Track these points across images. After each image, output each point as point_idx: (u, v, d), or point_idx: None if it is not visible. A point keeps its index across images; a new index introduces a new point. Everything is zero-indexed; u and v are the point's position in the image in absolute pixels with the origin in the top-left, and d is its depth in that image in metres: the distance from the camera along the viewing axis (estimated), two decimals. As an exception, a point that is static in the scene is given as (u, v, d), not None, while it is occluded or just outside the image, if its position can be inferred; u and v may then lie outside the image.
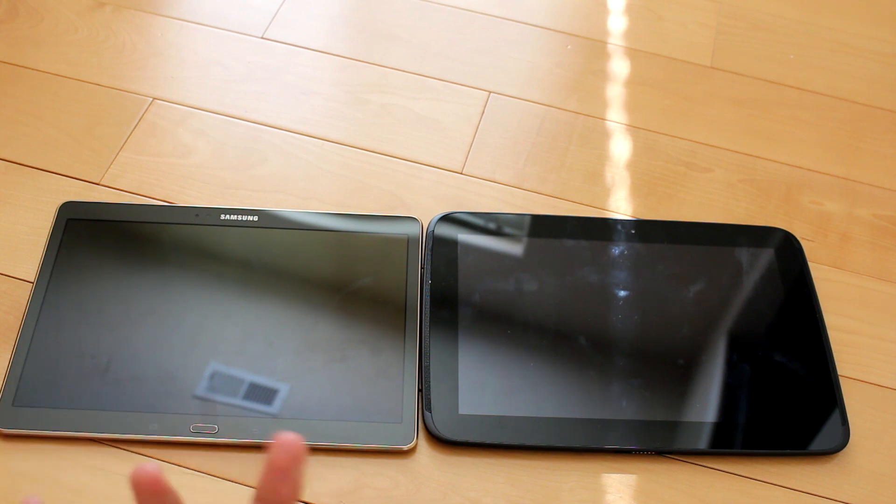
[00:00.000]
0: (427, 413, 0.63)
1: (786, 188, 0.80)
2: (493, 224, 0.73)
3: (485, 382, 0.65)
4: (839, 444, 0.64)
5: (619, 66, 0.88)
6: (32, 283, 0.66)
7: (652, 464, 0.63)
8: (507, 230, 0.73)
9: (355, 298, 0.68)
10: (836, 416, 0.65)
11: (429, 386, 0.64)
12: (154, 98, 0.79)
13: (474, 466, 0.62)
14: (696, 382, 0.66)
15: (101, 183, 0.73)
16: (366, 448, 0.61)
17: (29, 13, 0.85)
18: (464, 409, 0.63)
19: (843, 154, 0.83)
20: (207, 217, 0.71)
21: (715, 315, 0.70)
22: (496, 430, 0.62)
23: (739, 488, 0.63)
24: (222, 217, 0.71)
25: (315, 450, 0.61)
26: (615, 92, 0.86)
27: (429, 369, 0.64)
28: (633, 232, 0.73)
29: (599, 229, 0.73)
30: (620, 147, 0.81)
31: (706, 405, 0.65)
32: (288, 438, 0.39)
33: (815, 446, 0.64)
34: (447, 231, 0.72)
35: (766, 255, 0.73)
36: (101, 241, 0.69)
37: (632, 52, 0.89)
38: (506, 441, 0.62)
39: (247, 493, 0.59)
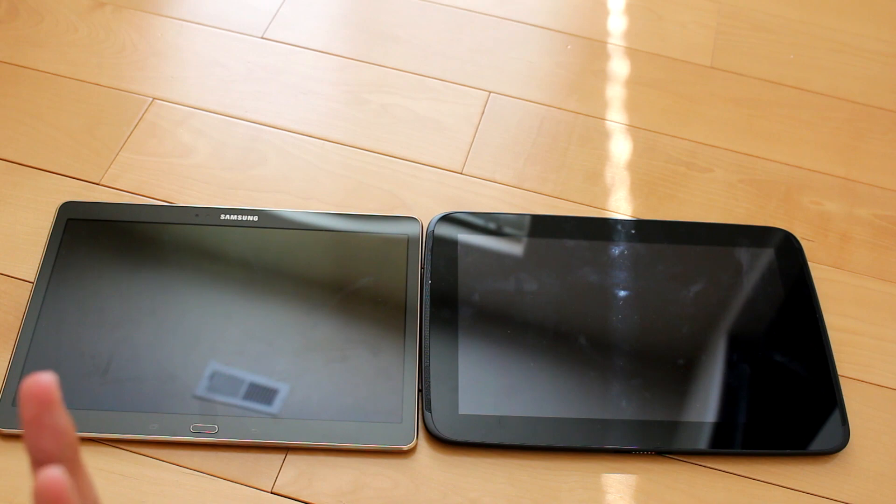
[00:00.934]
0: (427, 413, 0.63)
1: (786, 188, 0.80)
2: (493, 224, 0.73)
3: (485, 382, 0.65)
4: (839, 444, 0.64)
5: (619, 66, 0.88)
6: (32, 283, 0.66)
7: (652, 464, 0.63)
8: (507, 230, 0.73)
9: (355, 298, 0.68)
10: (836, 416, 0.65)
11: (429, 386, 0.64)
12: (154, 98, 0.79)
13: (474, 466, 0.62)
14: (696, 382, 0.66)
15: (101, 183, 0.73)
16: (366, 448, 0.61)
17: (29, 13, 0.85)
18: (464, 408, 0.63)
19: (843, 154, 0.83)
20: (207, 217, 0.71)
21: (715, 315, 0.70)
22: (496, 430, 0.62)
23: (739, 488, 0.63)
24: (222, 217, 0.71)
25: (315, 450, 0.61)
26: (615, 92, 0.86)
27: (429, 369, 0.64)
28: (633, 232, 0.73)
29: (599, 229, 0.73)
30: (620, 147, 0.81)
31: (706, 405, 0.65)
32: (35, 383, 0.33)
33: (815, 446, 0.64)
34: (447, 231, 0.72)
35: (766, 256, 0.73)
36: (101, 241, 0.69)
37: (632, 52, 0.89)
38: (506, 441, 0.62)
39: (247, 494, 0.59)
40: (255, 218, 0.71)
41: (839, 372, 0.68)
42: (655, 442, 0.63)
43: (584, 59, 0.88)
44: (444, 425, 0.62)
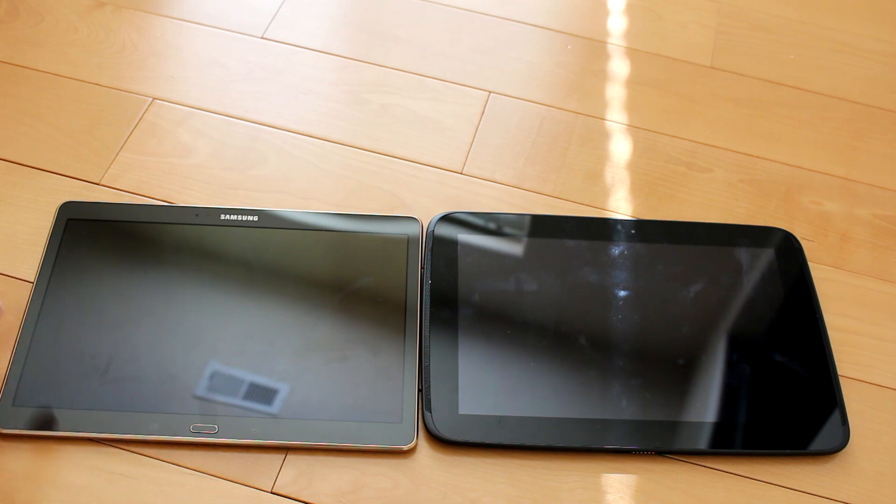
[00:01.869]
0: (427, 413, 0.63)
1: (786, 188, 0.80)
2: (493, 224, 0.73)
3: (485, 382, 0.65)
4: (839, 444, 0.64)
5: (619, 66, 0.88)
6: (32, 283, 0.66)
7: (652, 464, 0.63)
8: (507, 230, 0.73)
9: (355, 298, 0.68)
10: (836, 416, 0.65)
11: (429, 386, 0.64)
12: (154, 98, 0.79)
13: (474, 466, 0.62)
14: (696, 382, 0.66)
15: (101, 183, 0.73)
16: (366, 448, 0.61)
17: (29, 13, 0.85)
18: (464, 409, 0.63)
19: (843, 154, 0.83)
20: (207, 217, 0.71)
21: (715, 315, 0.70)
22: (496, 430, 0.62)
23: (739, 488, 0.63)
24: (222, 217, 0.71)
25: (315, 450, 0.61)
26: (615, 92, 0.86)
27: (429, 369, 0.64)
28: (633, 232, 0.73)
29: (599, 229, 0.73)
30: (620, 147, 0.81)
31: (706, 405, 0.65)
32: None
33: (815, 446, 0.64)
34: (447, 231, 0.72)
35: (766, 255, 0.73)
36: (101, 241, 0.69)
37: (632, 52, 0.89)
38: (506, 441, 0.62)
39: (247, 494, 0.59)
40: (255, 218, 0.71)
41: (839, 372, 0.68)
42: (655, 442, 0.63)
43: (584, 59, 0.88)
44: (445, 425, 0.62)
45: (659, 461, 0.63)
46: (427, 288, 0.68)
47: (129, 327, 0.65)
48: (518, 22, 0.91)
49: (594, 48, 0.89)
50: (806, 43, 0.92)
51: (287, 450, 0.61)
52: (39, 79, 0.80)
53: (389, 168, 0.77)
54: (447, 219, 0.72)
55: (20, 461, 0.59)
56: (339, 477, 0.60)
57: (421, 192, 0.76)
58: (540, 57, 0.88)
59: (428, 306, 0.67)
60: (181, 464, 0.60)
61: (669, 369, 0.67)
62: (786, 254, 0.73)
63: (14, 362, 0.62)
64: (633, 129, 0.83)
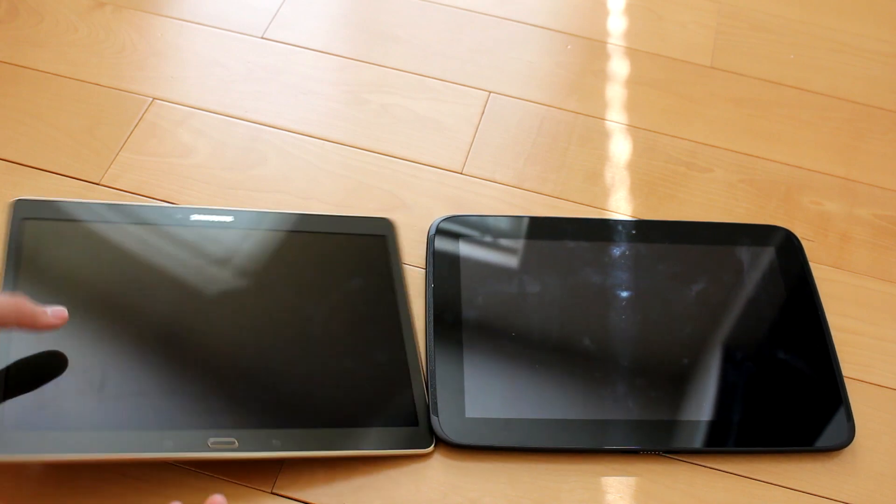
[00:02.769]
0: (434, 417, 0.62)
1: (786, 188, 0.80)
2: (494, 226, 0.73)
3: (490, 385, 0.64)
4: (845, 440, 0.64)
5: (619, 66, 0.88)
6: None
7: (652, 464, 0.63)
8: (509, 232, 0.73)
9: (346, 302, 0.67)
10: (841, 412, 0.65)
11: (435, 390, 0.63)
12: (154, 98, 0.79)
13: (475, 467, 0.62)
14: (700, 381, 0.66)
15: (101, 183, 0.73)
16: (387, 454, 0.60)
17: (29, 13, 0.85)
18: (470, 412, 0.63)
19: (843, 154, 0.83)
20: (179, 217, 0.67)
21: (717, 314, 0.70)
22: (503, 433, 0.62)
23: (740, 488, 0.63)
24: (193, 217, 0.67)
25: (336, 459, 0.60)
26: (615, 92, 0.86)
27: (434, 373, 0.64)
28: (633, 232, 0.73)
29: (600, 230, 0.73)
30: (620, 147, 0.81)
31: (710, 404, 0.65)
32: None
33: (820, 443, 0.64)
34: (449, 234, 0.72)
35: (767, 254, 0.73)
36: (62, 243, 0.63)
37: (632, 52, 0.89)
38: (512, 444, 0.62)
39: (247, 493, 0.59)
40: (231, 219, 0.68)
41: (839, 372, 0.68)
42: (660, 442, 0.63)
43: (584, 59, 0.88)
44: (452, 429, 0.62)
45: (659, 461, 0.63)
46: (430, 292, 0.68)
47: (119, 338, 0.60)
48: (518, 22, 0.91)
49: (594, 48, 0.89)
50: (806, 43, 0.92)
51: (308, 461, 0.60)
52: (39, 79, 0.80)
53: (389, 168, 0.77)
54: (449, 221, 0.72)
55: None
56: (339, 477, 0.60)
57: (421, 192, 0.76)
58: (540, 57, 0.88)
59: (431, 310, 0.67)
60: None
61: (673, 369, 0.67)
62: (786, 252, 0.73)
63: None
64: (633, 129, 0.83)
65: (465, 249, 0.71)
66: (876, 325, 0.71)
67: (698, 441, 0.63)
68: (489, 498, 0.61)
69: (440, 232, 0.71)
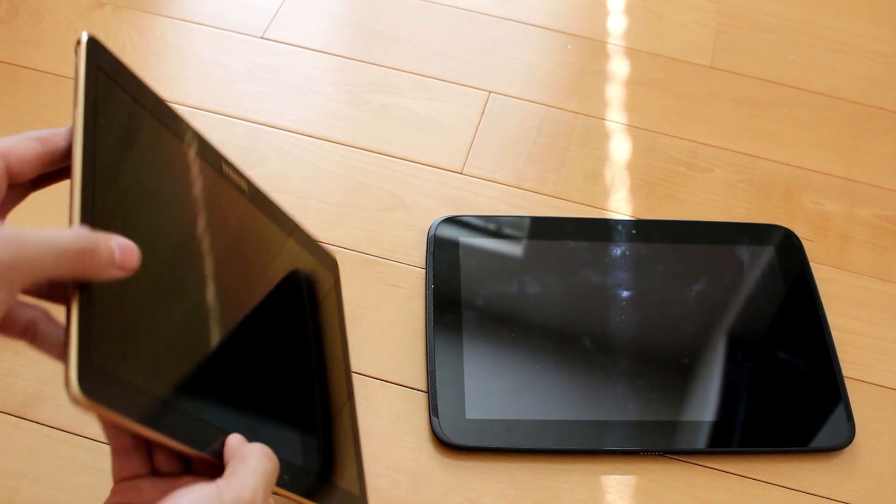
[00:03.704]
0: (434, 418, 0.62)
1: (786, 188, 0.80)
2: (494, 226, 0.73)
3: (490, 386, 0.64)
4: (845, 440, 0.64)
5: (619, 66, 0.88)
6: None
7: (652, 464, 0.63)
8: (509, 232, 0.73)
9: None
10: (841, 412, 0.65)
11: (435, 391, 0.63)
12: (154, 98, 0.79)
13: (475, 467, 0.62)
14: (700, 381, 0.66)
15: (101, 183, 0.73)
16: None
17: (29, 13, 0.85)
18: (470, 413, 0.63)
19: (843, 154, 0.83)
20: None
21: (718, 313, 0.70)
22: (503, 434, 0.62)
23: (739, 488, 0.63)
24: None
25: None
26: (615, 92, 0.86)
27: (434, 374, 0.64)
28: (633, 232, 0.73)
29: (600, 230, 0.73)
30: (620, 147, 0.81)
31: (711, 404, 0.65)
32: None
33: (820, 443, 0.64)
34: (449, 234, 0.72)
35: (767, 253, 0.73)
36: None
37: (632, 52, 0.89)
38: (512, 445, 0.62)
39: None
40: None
41: (839, 372, 0.68)
42: (661, 443, 0.63)
43: (584, 59, 0.88)
44: (452, 430, 0.62)
45: (659, 461, 0.63)
46: (430, 292, 0.68)
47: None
48: (518, 22, 0.91)
49: (594, 48, 0.89)
50: (806, 43, 0.92)
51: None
52: (39, 79, 0.80)
53: (389, 168, 0.77)
54: (449, 221, 0.72)
55: (20, 460, 0.59)
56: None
57: (421, 192, 0.76)
58: (540, 57, 0.88)
59: (431, 310, 0.67)
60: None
61: (674, 369, 0.67)
62: (786, 250, 0.73)
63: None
64: (633, 129, 0.83)
65: (465, 249, 0.71)
66: (876, 325, 0.72)
67: (698, 441, 0.63)
68: (489, 498, 0.61)
69: (440, 232, 0.71)
